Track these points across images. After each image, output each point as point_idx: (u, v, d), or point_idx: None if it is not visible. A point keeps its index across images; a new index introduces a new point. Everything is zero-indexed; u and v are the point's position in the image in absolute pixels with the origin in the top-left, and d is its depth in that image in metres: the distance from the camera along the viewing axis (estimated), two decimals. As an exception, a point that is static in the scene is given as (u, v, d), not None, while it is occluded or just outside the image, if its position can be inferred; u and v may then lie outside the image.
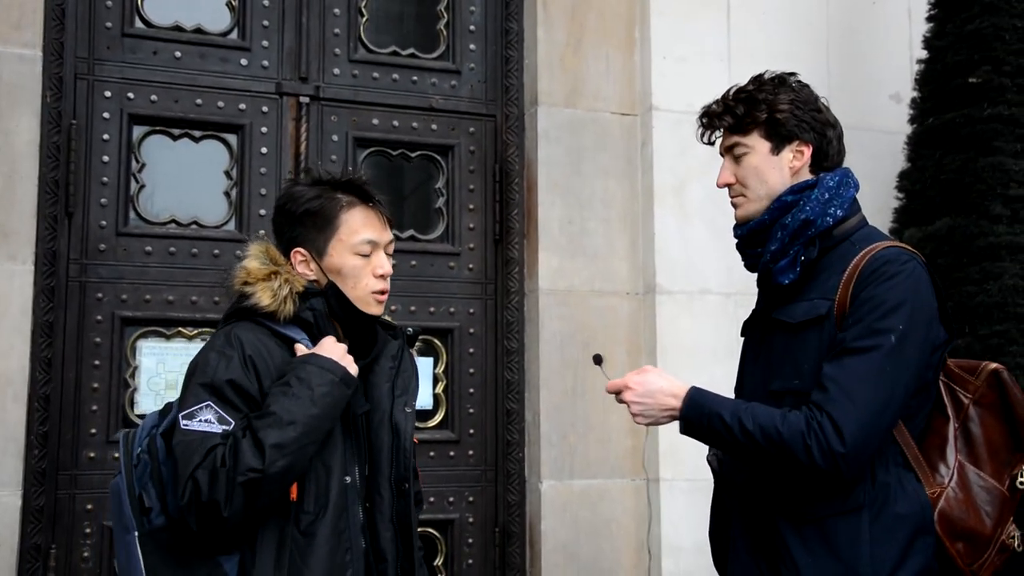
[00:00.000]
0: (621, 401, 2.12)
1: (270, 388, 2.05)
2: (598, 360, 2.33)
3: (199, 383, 2.04)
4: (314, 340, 2.14)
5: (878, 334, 1.93)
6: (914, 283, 1.98)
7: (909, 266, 1.99)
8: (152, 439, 2.07)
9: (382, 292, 2.21)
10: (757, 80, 2.18)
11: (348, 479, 2.12)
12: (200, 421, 1.99)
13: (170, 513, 2.03)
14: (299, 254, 2.18)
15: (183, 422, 2.00)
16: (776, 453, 1.96)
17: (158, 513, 2.03)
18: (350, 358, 2.11)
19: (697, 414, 2.03)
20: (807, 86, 2.19)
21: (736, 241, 2.24)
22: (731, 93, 2.19)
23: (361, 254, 2.18)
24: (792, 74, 2.20)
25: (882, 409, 1.92)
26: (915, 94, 4.08)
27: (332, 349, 2.10)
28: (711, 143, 2.25)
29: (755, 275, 2.23)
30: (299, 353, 2.10)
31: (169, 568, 2.00)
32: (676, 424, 2.11)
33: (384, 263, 2.21)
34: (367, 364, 2.22)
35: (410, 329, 2.38)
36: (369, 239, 2.18)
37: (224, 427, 1.99)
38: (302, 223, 2.18)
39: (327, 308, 2.17)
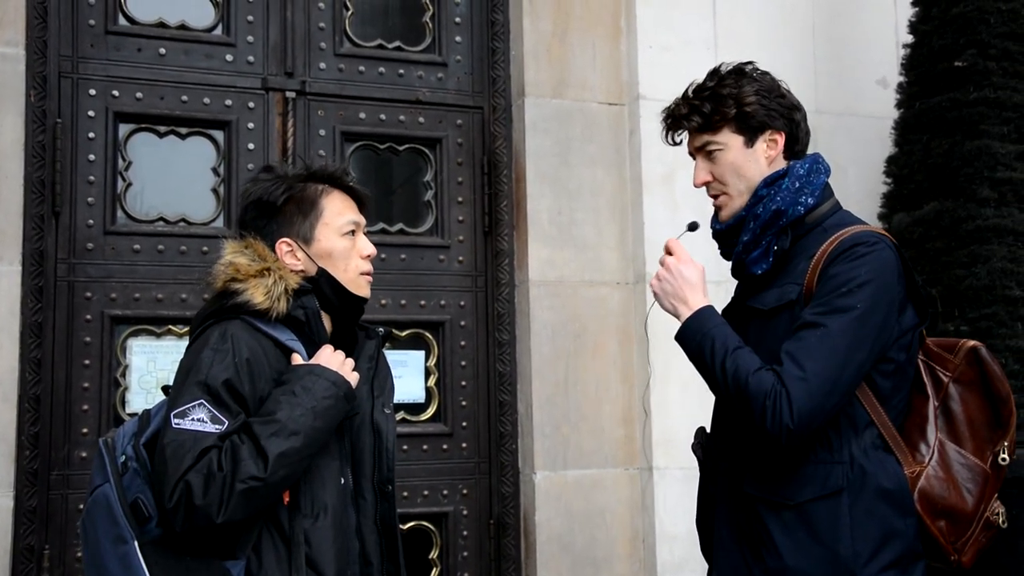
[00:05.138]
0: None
1: (265, 391, 2.01)
2: (693, 227, 2.27)
3: (193, 382, 1.97)
4: (304, 339, 2.11)
5: (836, 311, 1.94)
6: (879, 264, 1.98)
7: (876, 248, 1.99)
8: (136, 448, 1.99)
9: (368, 273, 2.22)
10: (715, 74, 2.16)
11: (343, 480, 2.11)
12: (192, 420, 1.93)
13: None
14: (285, 244, 2.15)
15: (175, 421, 1.93)
16: (736, 398, 1.98)
17: (158, 522, 1.94)
18: (351, 363, 2.09)
19: (695, 328, 2.05)
20: (767, 73, 2.17)
21: (712, 232, 2.24)
22: (691, 92, 2.16)
23: (347, 235, 2.18)
24: (749, 63, 2.18)
25: (831, 389, 1.93)
26: (901, 79, 4.08)
27: (333, 359, 2.07)
28: (676, 144, 2.23)
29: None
30: (295, 363, 2.07)
31: None
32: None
33: (368, 244, 2.22)
34: None
35: (381, 330, 2.32)
36: (353, 219, 2.20)
37: (217, 427, 1.93)
38: (283, 212, 2.15)
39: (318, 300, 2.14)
